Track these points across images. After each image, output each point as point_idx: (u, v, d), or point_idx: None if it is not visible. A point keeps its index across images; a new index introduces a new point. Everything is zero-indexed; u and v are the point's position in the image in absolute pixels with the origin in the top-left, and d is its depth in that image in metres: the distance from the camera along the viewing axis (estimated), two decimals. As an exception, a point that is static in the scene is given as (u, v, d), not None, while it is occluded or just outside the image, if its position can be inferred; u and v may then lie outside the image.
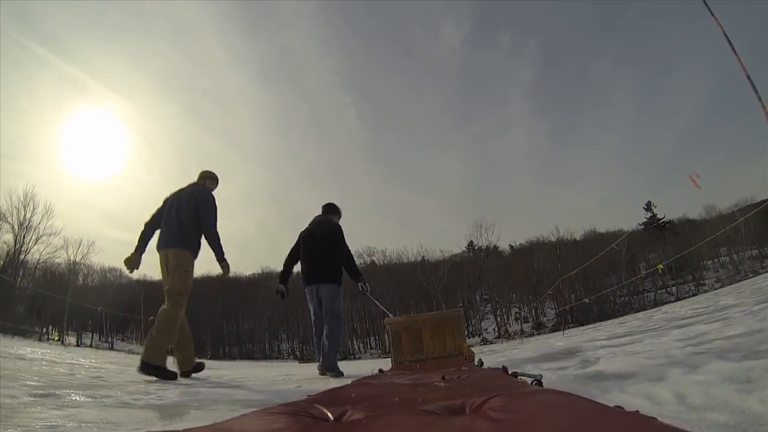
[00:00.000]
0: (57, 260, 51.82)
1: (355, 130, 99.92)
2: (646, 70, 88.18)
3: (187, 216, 5.20)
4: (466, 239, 65.65)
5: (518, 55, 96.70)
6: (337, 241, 5.89)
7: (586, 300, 30.18)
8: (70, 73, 78.68)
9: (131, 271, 5.32)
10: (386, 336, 5.44)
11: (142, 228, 5.37)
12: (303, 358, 55.70)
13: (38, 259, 49.14)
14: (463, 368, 2.88)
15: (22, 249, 46.40)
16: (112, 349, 50.53)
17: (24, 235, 46.37)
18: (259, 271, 67.66)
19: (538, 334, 44.99)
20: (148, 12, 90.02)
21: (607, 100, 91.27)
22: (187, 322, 5.34)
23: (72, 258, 53.40)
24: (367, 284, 6.10)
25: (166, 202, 5.43)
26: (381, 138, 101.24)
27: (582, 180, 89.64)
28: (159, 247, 5.25)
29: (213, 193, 5.60)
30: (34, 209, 46.46)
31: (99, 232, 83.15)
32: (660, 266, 16.48)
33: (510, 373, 2.14)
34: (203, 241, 5.30)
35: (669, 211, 61.01)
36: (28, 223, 46.57)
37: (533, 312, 55.61)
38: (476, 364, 3.54)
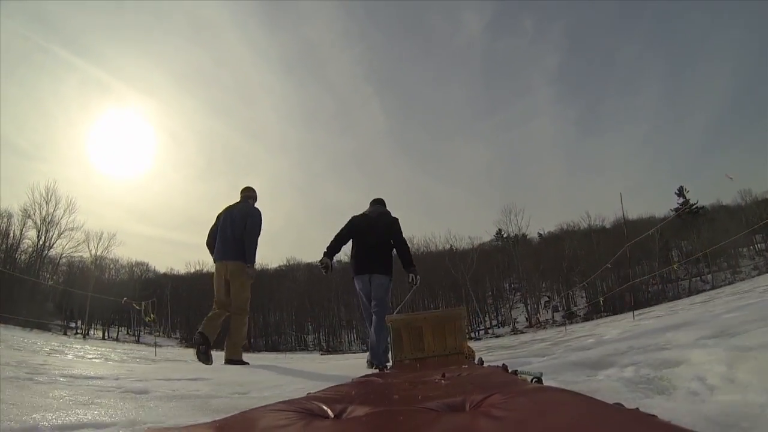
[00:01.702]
0: (80, 254, 53.03)
1: (380, 120, 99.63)
2: (675, 56, 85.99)
3: (241, 233, 6.20)
4: (495, 226, 65.24)
5: (542, 41, 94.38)
6: (397, 233, 5.99)
7: (585, 306, 29.64)
8: (94, 73, 79.77)
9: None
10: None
11: (207, 248, 6.50)
12: (328, 350, 56.26)
13: (61, 254, 50.43)
14: (463, 366, 2.88)
15: (45, 245, 47.68)
16: (138, 342, 51.44)
17: (47, 230, 47.59)
18: (285, 262, 68.13)
19: (570, 323, 44.64)
20: (167, 10, 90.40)
21: (634, 88, 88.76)
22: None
23: (94, 251, 54.44)
24: (418, 276, 6.15)
25: (219, 218, 6.44)
26: (405, 128, 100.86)
27: (609, 167, 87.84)
28: (217, 258, 6.27)
29: (259, 209, 6.57)
30: (56, 204, 47.72)
31: (128, 229, 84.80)
32: (674, 265, 16.32)
33: (510, 371, 2.14)
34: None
35: (701, 196, 59.89)
36: (51, 218, 47.70)
37: (563, 301, 55.10)
38: (477, 362, 3.52)
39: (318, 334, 63.37)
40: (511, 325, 55.24)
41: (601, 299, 33.40)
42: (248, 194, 6.67)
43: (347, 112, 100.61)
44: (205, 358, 5.67)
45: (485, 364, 3.28)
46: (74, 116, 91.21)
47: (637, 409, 0.94)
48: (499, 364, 2.58)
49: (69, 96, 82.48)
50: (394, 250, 6.05)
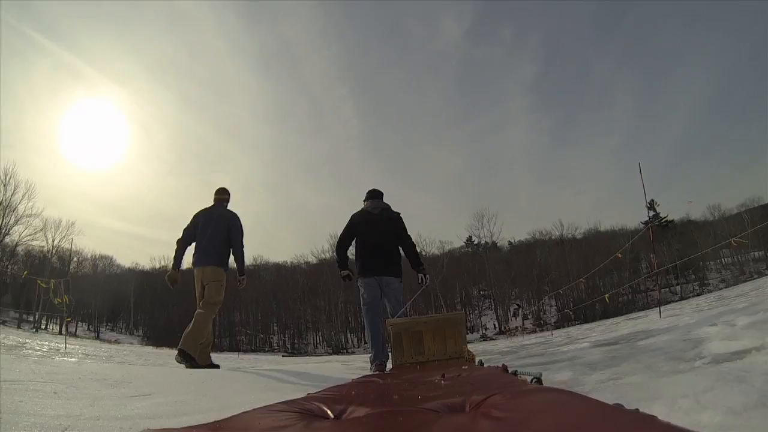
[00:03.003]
0: (38, 243, 51.24)
1: (353, 122, 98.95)
2: (648, 71, 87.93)
3: (220, 237, 6.22)
4: (467, 231, 65.31)
5: (520, 51, 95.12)
6: (402, 230, 5.77)
7: (569, 311, 30.14)
8: (66, 59, 77.21)
9: (173, 287, 6.41)
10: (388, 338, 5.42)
11: (176, 246, 6.31)
12: (293, 352, 55.82)
13: (17, 241, 48.62)
14: (463, 367, 2.91)
15: (1, 231, 45.85)
16: (97, 338, 50.36)
17: (3, 215, 45.58)
18: (252, 261, 67.54)
19: (541, 331, 45.16)
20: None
21: (607, 101, 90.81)
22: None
23: (52, 240, 52.95)
24: (428, 276, 5.94)
25: (196, 220, 6.36)
26: (378, 131, 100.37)
27: (581, 179, 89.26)
28: (196, 265, 6.24)
29: (236, 212, 6.57)
30: (14, 189, 45.63)
31: (93, 221, 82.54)
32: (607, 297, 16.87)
33: (510, 371, 2.17)
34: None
35: (670, 210, 61.12)
36: (8, 202, 45.65)
37: (534, 309, 55.71)
38: (477, 364, 3.57)
39: (283, 335, 62.83)
40: (480, 332, 55.60)
41: (568, 311, 33.83)
42: (223, 197, 6.62)
43: (321, 112, 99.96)
44: (195, 365, 5.56)
45: (485, 366, 3.31)
46: (44, 102, 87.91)
47: (637, 410, 0.96)
48: (499, 365, 2.60)
49: (39, 81, 78.90)
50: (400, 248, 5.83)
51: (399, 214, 5.88)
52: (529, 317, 55.76)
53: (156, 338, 51.86)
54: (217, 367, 5.88)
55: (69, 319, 20.78)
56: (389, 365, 4.93)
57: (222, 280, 6.15)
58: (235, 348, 54.90)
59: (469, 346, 5.03)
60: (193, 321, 5.82)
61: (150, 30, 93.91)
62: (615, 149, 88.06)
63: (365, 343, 48.55)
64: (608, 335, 7.75)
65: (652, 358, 3.78)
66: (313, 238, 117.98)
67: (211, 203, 6.56)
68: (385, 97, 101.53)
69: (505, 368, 2.29)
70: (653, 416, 0.88)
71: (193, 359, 5.54)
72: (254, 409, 1.28)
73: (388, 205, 5.94)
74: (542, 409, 1.06)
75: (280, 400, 1.39)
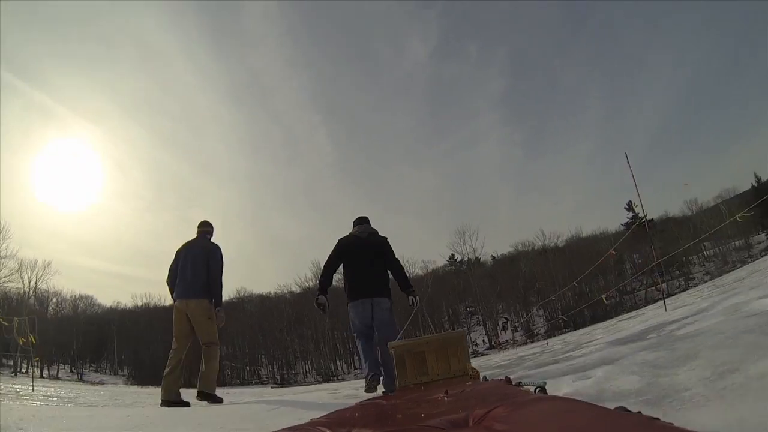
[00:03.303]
0: (13, 284, 50.07)
1: (327, 150, 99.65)
2: (613, 74, 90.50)
3: (202, 270, 6.12)
4: (449, 249, 65.47)
5: (486, 66, 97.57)
6: (389, 254, 5.76)
7: (563, 318, 30.27)
8: (38, 99, 77.42)
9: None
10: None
11: (168, 287, 6.30)
12: (282, 382, 55.18)
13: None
14: (467, 384, 2.90)
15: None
16: (80, 380, 49.27)
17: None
18: (236, 294, 66.86)
19: (532, 342, 45.22)
20: (116, 38, 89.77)
21: (577, 107, 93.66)
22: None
23: (28, 281, 52.01)
24: (417, 297, 5.92)
25: (178, 255, 6.31)
26: (353, 157, 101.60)
27: (558, 186, 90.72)
28: (177, 297, 6.10)
29: (218, 244, 6.53)
30: (-13, 230, 44.58)
31: (71, 262, 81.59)
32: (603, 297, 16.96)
33: (514, 383, 2.16)
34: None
35: (649, 209, 62.17)
36: None
37: (523, 321, 55.83)
38: (481, 380, 3.56)
39: (272, 366, 62.07)
40: (471, 348, 55.50)
41: (562, 318, 33.99)
42: (206, 229, 6.57)
43: (295, 141, 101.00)
44: (217, 401, 5.76)
45: (489, 380, 3.30)
46: (16, 143, 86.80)
47: (640, 412, 0.97)
48: (502, 377, 2.59)
49: (11, 122, 79.05)
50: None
51: (386, 238, 5.89)
52: (519, 329, 55.84)
53: (141, 377, 50.67)
54: (221, 400, 5.89)
55: (37, 359, 20.07)
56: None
57: (210, 312, 6.07)
58: (223, 383, 54.03)
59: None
60: (203, 363, 5.93)
61: (121, 68, 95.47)
62: (588, 154, 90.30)
63: (356, 368, 48.24)
64: (619, 335, 7.42)
65: (735, 338, 3.00)
66: (296, 267, 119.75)
67: (194, 237, 6.52)
68: (358, 122, 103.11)
69: (508, 380, 2.28)
70: (656, 418, 0.90)
71: (215, 397, 5.84)
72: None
73: (375, 229, 5.99)
74: (546, 418, 1.06)
75: (283, 427, 1.37)
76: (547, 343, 16.49)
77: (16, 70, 77.02)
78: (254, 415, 4.06)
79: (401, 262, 5.95)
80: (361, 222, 6.01)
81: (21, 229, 68.27)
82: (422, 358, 4.68)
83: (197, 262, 6.12)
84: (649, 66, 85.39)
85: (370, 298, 5.50)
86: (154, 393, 5.79)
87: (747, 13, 68.37)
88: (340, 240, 5.84)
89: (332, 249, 5.84)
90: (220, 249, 6.43)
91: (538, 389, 1.86)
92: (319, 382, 51.01)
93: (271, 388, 42.50)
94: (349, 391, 5.89)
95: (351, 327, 5.64)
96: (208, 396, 5.75)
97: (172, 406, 5.39)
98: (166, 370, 5.78)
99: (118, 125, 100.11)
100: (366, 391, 5.15)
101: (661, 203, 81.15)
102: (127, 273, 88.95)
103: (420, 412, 1.58)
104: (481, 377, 3.91)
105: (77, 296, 60.71)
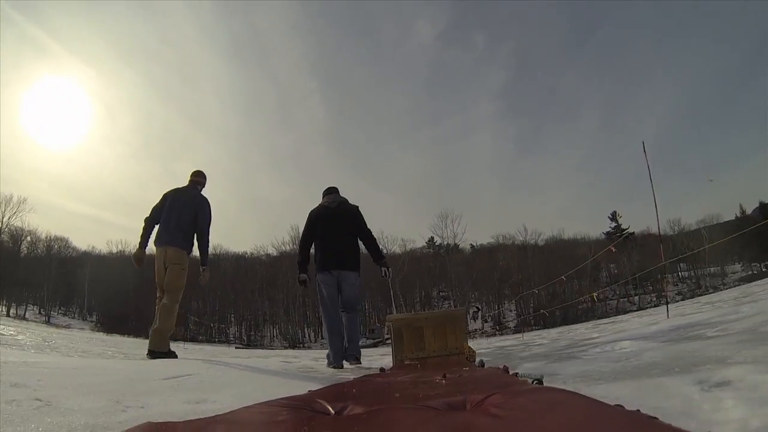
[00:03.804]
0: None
1: (320, 118, 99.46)
2: (614, 88, 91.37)
3: (187, 220, 5.95)
4: (431, 231, 65.75)
5: (491, 59, 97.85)
6: (361, 224, 5.75)
7: (545, 312, 30.62)
8: (32, 32, 74.46)
9: (139, 267, 6.08)
10: (388, 333, 5.42)
11: (143, 224, 6.01)
12: (248, 344, 55.23)
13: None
14: (464, 369, 2.94)
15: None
16: (48, 322, 48.85)
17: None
18: (212, 250, 66.47)
19: (500, 334, 45.73)
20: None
21: (573, 114, 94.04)
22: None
23: (1, 216, 51.76)
24: (390, 269, 5.97)
25: (165, 199, 6.08)
26: (345, 128, 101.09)
27: (545, 187, 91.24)
28: (158, 244, 5.93)
29: (207, 196, 6.31)
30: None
31: (50, 201, 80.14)
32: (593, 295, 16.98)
33: (511, 373, 2.20)
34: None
35: (632, 223, 62.76)
36: None
37: (495, 312, 56.33)
38: (477, 364, 3.58)
39: (240, 326, 62.08)
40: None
41: (544, 312, 34.34)
42: (197, 179, 6.38)
43: (289, 105, 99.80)
44: (170, 356, 5.52)
45: (486, 366, 3.33)
46: (5, 75, 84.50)
47: (638, 410, 0.99)
48: (500, 366, 2.63)
49: (2, 52, 76.47)
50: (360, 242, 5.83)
51: (357, 207, 5.89)
52: (489, 320, 56.37)
53: (109, 325, 50.46)
54: (175, 355, 5.66)
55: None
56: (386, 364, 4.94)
57: (184, 264, 5.91)
58: (190, 338, 53.92)
59: None
60: (159, 316, 5.66)
61: (120, 10, 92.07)
62: (579, 161, 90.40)
63: (322, 338, 48.23)
64: (618, 335, 6.78)
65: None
66: (275, 229, 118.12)
67: (185, 185, 6.35)
68: (354, 95, 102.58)
69: (506, 369, 2.32)
70: (654, 417, 0.91)
71: (166, 354, 5.47)
72: (256, 404, 1.29)
73: (345, 198, 5.96)
74: (543, 408, 1.08)
75: (282, 396, 1.40)
76: (522, 337, 16.24)
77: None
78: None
79: (373, 233, 5.91)
80: (330, 192, 5.99)
81: (3, 165, 66.65)
82: (420, 334, 4.71)
83: (183, 212, 5.97)
84: (651, 84, 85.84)
85: (338, 270, 5.52)
86: (115, 342, 5.64)
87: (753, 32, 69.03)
88: (311, 212, 5.87)
89: (305, 223, 5.87)
90: (209, 202, 6.24)
91: (535, 381, 1.90)
92: (285, 348, 51.12)
93: (236, 348, 42.50)
94: (306, 362, 5.68)
95: (318, 296, 5.64)
96: (159, 355, 5.49)
97: (160, 357, 5.34)
98: (154, 326, 5.67)
99: (111, 68, 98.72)
100: (329, 366, 5.16)
101: (645, 219, 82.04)
102: (106, 218, 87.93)
103: (417, 392, 1.61)
104: (477, 360, 3.93)
105: (52, 237, 59.99)
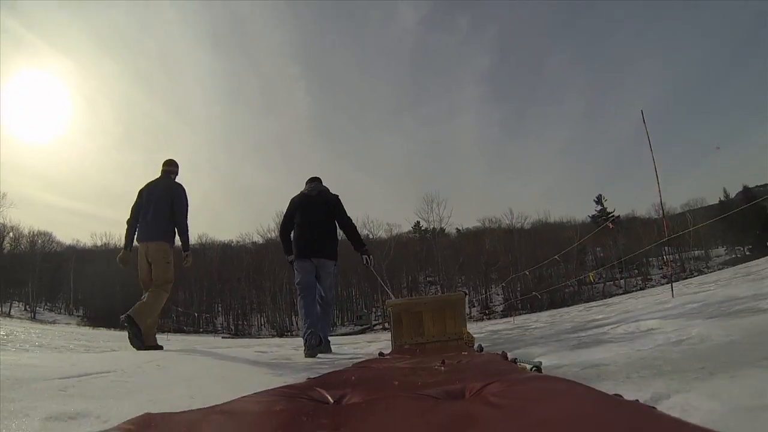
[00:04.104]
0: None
1: (304, 104, 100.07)
2: (598, 71, 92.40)
3: (165, 211, 5.94)
4: (416, 215, 65.95)
5: (475, 41, 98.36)
6: (340, 212, 5.79)
7: (537, 294, 30.85)
8: (7, 24, 72.76)
9: (126, 267, 6.21)
10: (387, 318, 5.45)
11: (125, 226, 6.06)
12: (236, 333, 55.18)
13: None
14: (462, 353, 2.95)
15: None
16: (33, 319, 48.51)
17: None
18: (197, 240, 66.33)
19: (488, 318, 46.08)
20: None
21: (558, 97, 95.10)
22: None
23: None
24: (371, 257, 6.03)
25: (141, 195, 6.11)
26: (329, 114, 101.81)
27: (530, 170, 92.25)
28: (139, 240, 5.98)
29: (182, 184, 6.28)
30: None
31: (33, 196, 79.29)
32: (591, 275, 17.02)
33: (509, 359, 2.21)
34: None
35: (617, 206, 63.37)
36: None
37: (481, 297, 56.69)
38: (476, 349, 3.60)
39: (228, 316, 62.00)
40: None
41: (519, 298, 34.56)
42: (169, 168, 6.36)
43: (272, 92, 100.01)
44: (137, 342, 5.41)
45: (484, 351, 3.34)
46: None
47: (637, 400, 0.99)
48: (499, 351, 2.63)
49: None
50: (340, 231, 5.92)
51: (338, 196, 5.93)
52: (476, 305, 56.76)
53: (95, 319, 50.30)
54: (161, 348, 5.63)
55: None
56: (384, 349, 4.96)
57: (168, 257, 5.95)
58: (176, 329, 53.70)
59: None
60: (144, 300, 5.66)
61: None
62: (564, 144, 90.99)
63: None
64: (629, 314, 6.14)
65: None
66: (260, 217, 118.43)
67: (157, 176, 6.34)
68: (338, 79, 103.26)
69: (504, 355, 2.33)
70: (652, 407, 0.92)
71: (140, 331, 5.40)
72: (253, 394, 1.29)
73: (326, 187, 6.01)
74: (542, 396, 1.09)
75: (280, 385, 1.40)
76: (513, 321, 16.08)
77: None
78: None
79: (353, 222, 5.98)
80: (313, 181, 6.04)
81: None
82: (419, 319, 4.73)
83: (159, 203, 5.97)
84: (635, 65, 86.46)
85: (316, 258, 5.58)
86: (94, 334, 5.51)
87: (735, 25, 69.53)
88: (292, 199, 5.93)
89: (285, 210, 5.93)
90: (184, 189, 6.23)
91: (533, 368, 1.91)
92: (273, 336, 51.13)
93: (222, 338, 42.53)
94: (285, 352, 5.53)
95: (295, 282, 5.68)
96: (134, 324, 5.39)
97: (147, 350, 5.21)
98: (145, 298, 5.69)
99: (90, 59, 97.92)
100: (306, 355, 5.05)
101: (630, 202, 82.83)
102: (89, 211, 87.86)
103: (417, 380, 1.62)
104: (476, 345, 3.95)
105: (35, 232, 59.50)
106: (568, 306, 33.49)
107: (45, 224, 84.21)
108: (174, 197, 6.03)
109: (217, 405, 1.15)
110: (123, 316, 5.48)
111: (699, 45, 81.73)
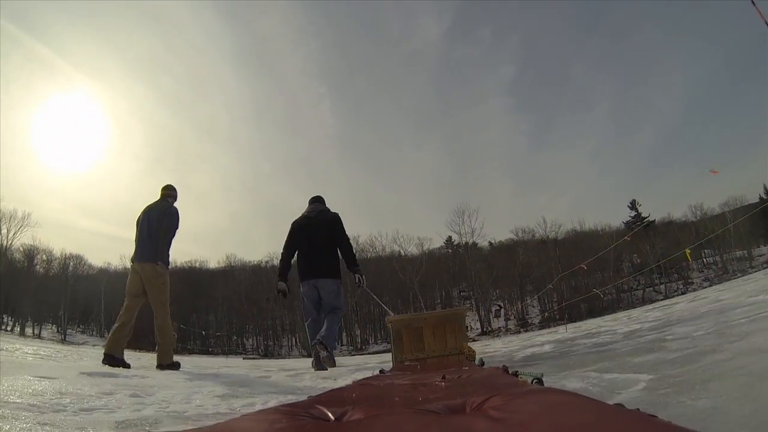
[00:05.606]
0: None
1: (330, 122, 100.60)
2: (626, 74, 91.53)
3: (156, 231, 6.18)
4: (448, 228, 65.47)
5: (499, 51, 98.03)
6: (338, 230, 5.89)
7: (581, 301, 30.37)
8: (40, 52, 75.61)
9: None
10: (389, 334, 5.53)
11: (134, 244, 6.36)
12: (266, 354, 55.33)
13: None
14: (463, 368, 2.94)
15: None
16: (64, 341, 49.34)
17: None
18: (225, 260, 67.07)
19: (525, 331, 45.50)
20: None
21: (586, 104, 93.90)
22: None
23: (7, 232, 52.30)
24: (363, 276, 6.09)
25: (138, 222, 6.37)
26: (356, 130, 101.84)
27: (560, 180, 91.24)
28: (134, 260, 6.21)
29: (176, 206, 6.57)
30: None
31: (65, 220, 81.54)
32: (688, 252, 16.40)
33: (511, 372, 2.20)
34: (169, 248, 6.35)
35: (652, 210, 62.17)
36: None
37: (517, 309, 56.02)
38: (477, 363, 3.59)
39: (258, 337, 62.29)
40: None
41: (556, 308, 34.08)
42: (168, 193, 6.64)
43: (298, 111, 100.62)
44: (175, 367, 5.89)
45: (485, 366, 3.32)
46: (15, 96, 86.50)
47: (638, 409, 0.98)
48: (500, 365, 2.62)
49: (11, 72, 77.56)
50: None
51: (337, 214, 6.06)
52: (512, 318, 56.08)
53: (129, 341, 50.73)
54: (178, 365, 6.08)
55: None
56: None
57: (164, 279, 6.17)
58: (206, 351, 54.12)
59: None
60: (157, 336, 6.04)
61: (126, 24, 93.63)
62: (593, 151, 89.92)
63: (342, 344, 48.31)
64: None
65: None
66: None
67: (156, 200, 6.64)
68: (363, 96, 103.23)
69: (505, 369, 2.32)
70: (654, 416, 0.90)
71: (170, 366, 5.90)
72: (254, 412, 1.30)
73: (326, 207, 6.20)
74: (542, 410, 1.07)
75: (282, 403, 1.41)
76: (566, 330, 14.24)
77: (17, 19, 75.44)
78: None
79: (349, 240, 6.10)
80: (314, 201, 6.26)
81: (17, 185, 67.63)
82: (419, 334, 4.73)
83: (152, 224, 6.22)
84: (663, 67, 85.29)
85: (315, 279, 5.75)
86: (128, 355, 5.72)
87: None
88: (293, 222, 6.13)
89: (287, 233, 6.12)
90: (177, 211, 6.48)
91: (535, 380, 1.90)
92: (303, 356, 51.25)
93: (243, 359, 42.66)
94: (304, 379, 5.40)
95: (301, 305, 6.00)
96: (166, 367, 5.88)
97: (114, 364, 5.52)
98: (116, 325, 6.01)
99: (120, 83, 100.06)
100: (315, 369, 5.57)
101: (666, 205, 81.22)
102: (121, 234, 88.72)
103: (417, 395, 1.61)
104: (477, 359, 3.93)
105: (67, 255, 60.66)
106: (618, 311, 32.71)
107: (77, 248, 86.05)
108: (164, 215, 6.28)
109: (217, 424, 1.16)
110: (158, 368, 5.84)
111: (732, 39, 79.40)
